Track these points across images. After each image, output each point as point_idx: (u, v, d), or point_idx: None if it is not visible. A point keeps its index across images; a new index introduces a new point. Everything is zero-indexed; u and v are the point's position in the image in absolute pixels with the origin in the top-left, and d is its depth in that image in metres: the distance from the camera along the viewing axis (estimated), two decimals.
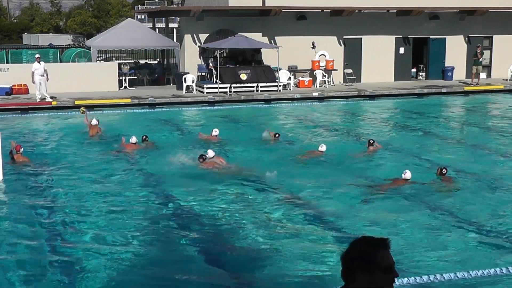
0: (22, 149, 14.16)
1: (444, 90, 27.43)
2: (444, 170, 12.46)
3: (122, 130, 17.93)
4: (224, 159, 14.01)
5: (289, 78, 26.75)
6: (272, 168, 13.84)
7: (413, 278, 8.04)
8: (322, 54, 28.27)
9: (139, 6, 63.73)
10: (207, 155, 13.57)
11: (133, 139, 15.56)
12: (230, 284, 8.35)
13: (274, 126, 18.45)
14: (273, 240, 9.57)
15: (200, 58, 27.48)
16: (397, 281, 7.93)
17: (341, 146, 16.27)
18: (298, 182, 12.75)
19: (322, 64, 28.13)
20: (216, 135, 16.49)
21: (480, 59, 28.41)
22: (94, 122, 17.38)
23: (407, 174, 12.19)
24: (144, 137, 16.03)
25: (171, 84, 27.93)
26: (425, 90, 27.29)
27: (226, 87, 25.15)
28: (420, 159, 14.81)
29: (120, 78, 26.50)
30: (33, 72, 22.57)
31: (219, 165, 13.51)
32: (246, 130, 19.01)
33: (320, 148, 14.83)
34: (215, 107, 23.78)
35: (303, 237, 9.70)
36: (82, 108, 18.60)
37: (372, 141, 15.47)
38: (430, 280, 8.02)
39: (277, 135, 16.53)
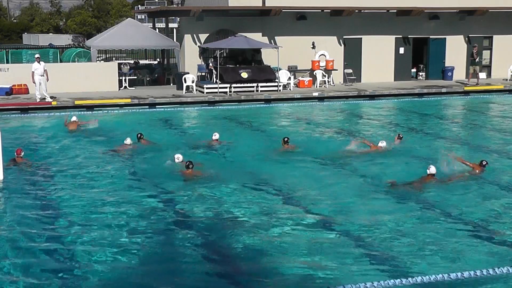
0: (22, 153, 14.20)
1: (444, 90, 27.44)
2: (484, 162, 13.08)
3: (122, 130, 17.93)
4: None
5: (289, 78, 26.75)
6: (274, 167, 13.88)
7: (413, 278, 8.05)
8: (322, 54, 28.27)
9: (139, 6, 63.81)
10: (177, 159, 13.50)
11: (128, 141, 15.65)
12: (229, 283, 8.35)
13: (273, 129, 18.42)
14: (278, 239, 9.58)
15: (200, 58, 27.48)
16: (397, 281, 7.94)
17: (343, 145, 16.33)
18: (310, 180, 12.86)
19: (322, 64, 28.13)
20: (217, 139, 16.21)
21: (477, 59, 28.41)
22: (73, 118, 18.43)
23: (432, 169, 12.46)
24: (139, 135, 16.08)
25: (171, 84, 27.94)
26: (425, 90, 27.29)
27: (226, 87, 25.15)
28: (421, 158, 14.81)
29: (120, 78, 26.51)
30: (33, 72, 22.56)
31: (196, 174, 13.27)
32: (250, 130, 19.04)
33: (380, 144, 15.22)
34: (215, 107, 23.78)
35: (307, 235, 9.72)
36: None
37: (401, 136, 16.05)
38: (430, 280, 8.03)
39: (286, 139, 15.50)
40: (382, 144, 15.18)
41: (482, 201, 11.58)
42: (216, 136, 16.16)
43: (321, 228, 10.15)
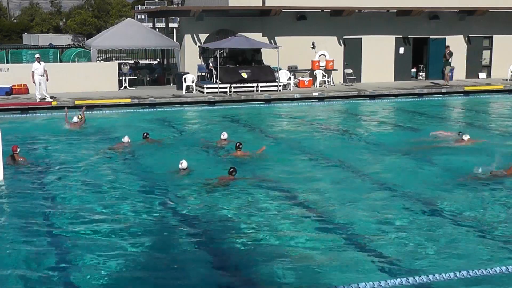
0: (18, 149, 14.17)
1: (444, 90, 27.45)
2: None
3: (122, 130, 17.95)
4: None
5: (289, 78, 26.75)
6: (276, 167, 13.88)
7: (413, 278, 8.05)
8: (322, 54, 28.28)
9: (139, 6, 63.82)
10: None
11: (126, 139, 15.74)
12: (229, 283, 8.35)
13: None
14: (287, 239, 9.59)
15: (200, 58, 27.49)
16: (397, 281, 7.94)
17: (343, 145, 16.34)
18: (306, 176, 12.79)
19: (322, 64, 28.14)
20: (225, 139, 15.94)
21: (449, 60, 28.30)
22: (75, 119, 18.50)
23: None
24: (145, 134, 16.23)
25: (171, 84, 27.95)
26: (425, 90, 27.31)
27: (226, 87, 25.16)
28: (418, 157, 14.83)
29: (120, 78, 26.52)
30: (33, 72, 22.58)
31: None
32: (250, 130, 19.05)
33: (464, 138, 15.82)
34: (215, 107, 23.79)
35: (308, 235, 9.72)
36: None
37: (461, 134, 16.39)
38: (430, 280, 8.03)
39: (238, 144, 14.62)
40: (466, 137, 15.84)
41: (484, 201, 11.58)
42: (224, 135, 15.97)
43: (321, 228, 10.15)
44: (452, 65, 30.04)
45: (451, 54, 28.19)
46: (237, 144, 14.67)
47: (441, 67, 30.31)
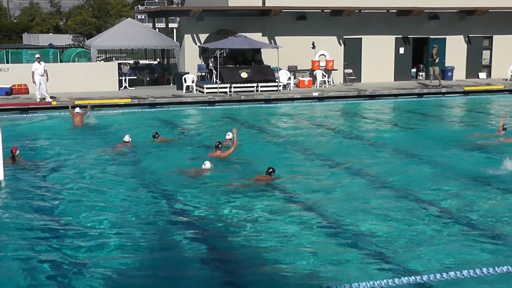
0: (18, 151, 14.16)
1: (444, 90, 27.45)
2: None
3: (121, 130, 17.95)
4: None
5: (289, 78, 26.75)
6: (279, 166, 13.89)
7: (413, 278, 8.05)
8: (322, 54, 28.28)
9: (139, 6, 63.82)
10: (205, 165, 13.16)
11: (126, 138, 15.82)
12: (230, 283, 8.35)
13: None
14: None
15: (200, 58, 27.49)
16: (397, 281, 7.94)
17: (343, 145, 16.35)
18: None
19: (322, 64, 28.14)
20: (230, 139, 15.81)
21: (436, 60, 28.27)
22: (77, 110, 18.85)
23: None
24: (154, 133, 16.38)
25: (171, 84, 27.95)
26: (425, 90, 27.31)
27: (226, 87, 25.15)
28: (417, 157, 14.83)
29: (120, 78, 26.52)
30: (33, 72, 22.57)
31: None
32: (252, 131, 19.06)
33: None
34: (215, 107, 23.78)
35: (308, 235, 9.72)
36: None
37: (505, 127, 16.72)
38: (430, 280, 8.03)
39: (217, 144, 14.70)
40: None
41: (481, 200, 11.59)
42: (229, 136, 15.92)
43: (321, 228, 10.16)
44: (449, 65, 30.10)
45: (438, 54, 28.20)
46: (217, 143, 14.77)
47: (441, 67, 30.32)
